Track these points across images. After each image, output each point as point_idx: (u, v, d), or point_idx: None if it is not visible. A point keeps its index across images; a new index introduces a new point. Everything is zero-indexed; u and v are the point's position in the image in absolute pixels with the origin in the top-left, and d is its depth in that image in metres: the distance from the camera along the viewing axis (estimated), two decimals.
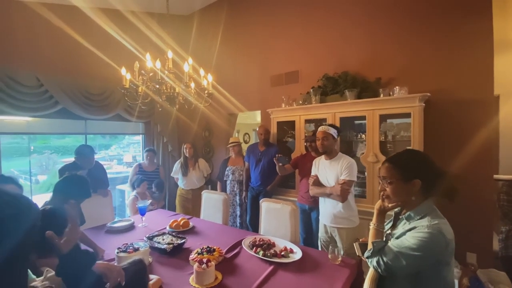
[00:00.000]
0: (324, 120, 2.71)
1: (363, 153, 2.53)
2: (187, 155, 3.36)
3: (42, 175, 4.89)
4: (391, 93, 2.37)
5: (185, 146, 3.38)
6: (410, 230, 0.95)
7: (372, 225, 1.09)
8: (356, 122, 2.83)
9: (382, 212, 1.10)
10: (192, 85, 2.06)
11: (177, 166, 3.45)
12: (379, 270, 0.96)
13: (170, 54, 1.93)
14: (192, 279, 1.37)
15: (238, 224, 3.30)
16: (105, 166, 3.13)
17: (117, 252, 1.50)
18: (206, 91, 2.12)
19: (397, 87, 2.33)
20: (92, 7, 3.22)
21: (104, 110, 3.38)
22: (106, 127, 3.96)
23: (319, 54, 3.11)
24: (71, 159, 2.73)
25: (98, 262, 0.96)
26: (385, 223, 1.13)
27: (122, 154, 5.92)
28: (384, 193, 1.06)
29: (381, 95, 2.41)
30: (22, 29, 2.79)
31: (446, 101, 2.33)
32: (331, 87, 2.80)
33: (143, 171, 3.45)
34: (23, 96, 2.67)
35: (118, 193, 4.57)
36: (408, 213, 1.02)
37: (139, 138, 4.41)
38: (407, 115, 2.28)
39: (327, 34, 3.04)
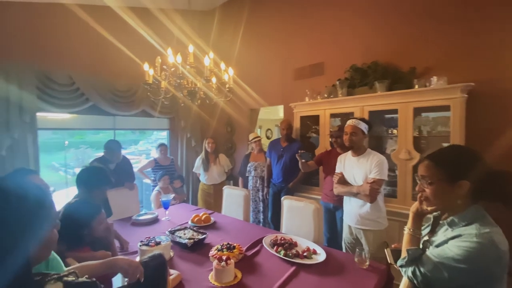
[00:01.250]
0: (351, 114, 2.55)
1: (394, 150, 2.34)
2: (208, 150, 3.38)
3: (78, 168, 5.27)
4: (427, 84, 2.15)
5: (207, 141, 3.39)
6: (453, 238, 0.82)
7: (406, 230, 0.97)
8: (387, 116, 2.62)
9: (419, 216, 0.97)
10: (213, 80, 2.04)
11: (198, 161, 3.48)
12: (415, 281, 0.85)
13: (191, 49, 1.92)
14: (211, 276, 1.35)
15: (261, 220, 3.27)
16: (134, 161, 3.24)
17: (140, 245, 1.54)
18: (226, 86, 2.09)
19: (434, 77, 2.11)
20: (121, 5, 3.31)
21: (130, 106, 3.50)
22: (134, 123, 4.10)
23: (345, 44, 2.92)
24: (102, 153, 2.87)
25: (120, 257, 0.96)
26: (422, 228, 1.00)
27: (150, 149, 6.16)
28: (423, 195, 0.93)
29: (416, 86, 2.20)
30: (57, 30, 2.96)
31: (494, 92, 2.05)
32: (359, 79, 2.62)
33: (160, 166, 3.50)
34: (58, 94, 2.85)
35: (146, 186, 4.76)
36: (451, 218, 0.88)
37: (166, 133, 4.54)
38: (446, 108, 2.06)
39: (354, 21, 2.84)
